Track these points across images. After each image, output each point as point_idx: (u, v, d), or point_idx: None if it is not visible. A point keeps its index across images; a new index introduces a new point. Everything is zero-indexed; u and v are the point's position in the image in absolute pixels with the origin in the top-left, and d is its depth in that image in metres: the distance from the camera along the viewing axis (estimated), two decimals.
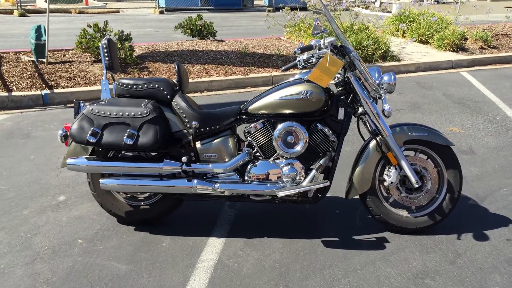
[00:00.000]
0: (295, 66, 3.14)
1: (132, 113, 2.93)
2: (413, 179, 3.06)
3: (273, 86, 3.16)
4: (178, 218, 3.40)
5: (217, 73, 7.38)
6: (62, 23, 13.63)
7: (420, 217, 3.20)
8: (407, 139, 3.12)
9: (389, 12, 14.46)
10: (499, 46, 9.69)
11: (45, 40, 7.17)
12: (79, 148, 3.14)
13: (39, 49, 7.23)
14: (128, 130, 2.91)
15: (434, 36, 9.80)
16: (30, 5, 17.65)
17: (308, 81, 2.99)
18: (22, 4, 16.04)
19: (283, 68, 3.19)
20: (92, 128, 2.91)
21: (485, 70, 8.46)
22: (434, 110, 6.05)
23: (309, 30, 9.37)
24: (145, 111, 2.94)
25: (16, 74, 6.77)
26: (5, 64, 7.17)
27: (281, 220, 3.40)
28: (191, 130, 3.03)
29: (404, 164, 3.05)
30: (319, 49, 3.02)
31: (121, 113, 2.94)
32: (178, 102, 3.08)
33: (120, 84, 3.11)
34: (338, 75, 3.15)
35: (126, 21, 14.60)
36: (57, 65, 7.29)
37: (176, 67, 3.21)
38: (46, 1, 7.31)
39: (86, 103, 3.08)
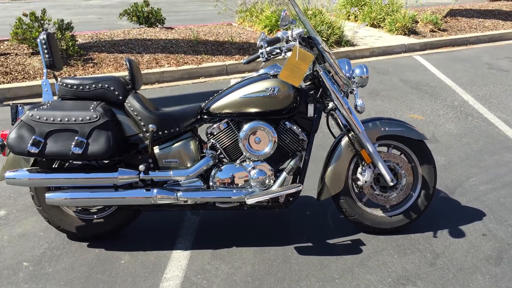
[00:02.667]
0: (257, 58, 2.88)
1: (80, 118, 2.59)
2: (388, 177, 2.89)
3: (237, 82, 2.90)
4: (137, 231, 3.08)
5: (168, 63, 6.99)
6: None
7: (395, 216, 3.05)
8: (380, 135, 2.95)
9: None
10: (448, 29, 9.77)
11: None
12: (19, 158, 2.77)
13: None
14: (76, 138, 2.57)
15: (386, 19, 9.76)
16: None
17: (274, 76, 2.74)
18: None
19: (245, 60, 2.92)
20: (33, 137, 2.55)
21: (437, 53, 8.49)
22: (393, 96, 5.96)
23: (261, 15, 9.09)
24: (95, 115, 2.60)
25: None
26: None
27: (250, 226, 3.17)
28: (147, 134, 2.73)
29: (379, 162, 2.88)
30: (287, 41, 2.77)
31: (66, 119, 2.59)
32: (131, 103, 2.76)
33: (64, 84, 2.75)
34: None
35: (66, 7, 13.79)
36: None
37: (127, 63, 2.88)
38: None
39: (25, 107, 2.71)
